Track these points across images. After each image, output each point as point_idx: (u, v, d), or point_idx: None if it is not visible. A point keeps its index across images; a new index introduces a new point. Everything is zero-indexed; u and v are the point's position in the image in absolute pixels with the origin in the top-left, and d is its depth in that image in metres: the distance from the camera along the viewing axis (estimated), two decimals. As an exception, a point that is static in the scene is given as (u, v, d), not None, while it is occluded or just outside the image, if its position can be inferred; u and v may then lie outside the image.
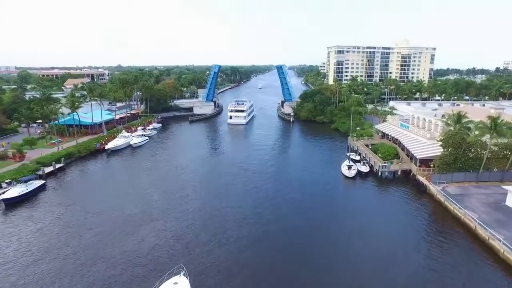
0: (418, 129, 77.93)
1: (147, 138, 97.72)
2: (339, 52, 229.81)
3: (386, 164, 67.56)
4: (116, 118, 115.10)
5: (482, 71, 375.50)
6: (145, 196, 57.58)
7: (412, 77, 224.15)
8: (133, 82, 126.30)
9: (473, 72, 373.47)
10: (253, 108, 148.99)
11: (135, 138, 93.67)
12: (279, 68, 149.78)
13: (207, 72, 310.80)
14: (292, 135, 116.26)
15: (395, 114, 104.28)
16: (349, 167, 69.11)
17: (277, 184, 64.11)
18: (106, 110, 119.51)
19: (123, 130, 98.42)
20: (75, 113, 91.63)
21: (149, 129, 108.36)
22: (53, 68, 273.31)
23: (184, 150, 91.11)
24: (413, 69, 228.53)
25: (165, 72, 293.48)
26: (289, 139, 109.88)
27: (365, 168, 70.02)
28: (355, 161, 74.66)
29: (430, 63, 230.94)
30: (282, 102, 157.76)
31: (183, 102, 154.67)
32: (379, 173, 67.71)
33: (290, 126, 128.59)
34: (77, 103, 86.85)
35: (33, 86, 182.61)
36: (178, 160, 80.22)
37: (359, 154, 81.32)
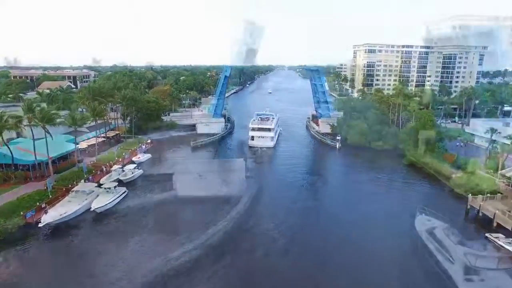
0: None
1: (125, 190, 57.45)
2: (370, 51, 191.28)
3: None
4: (82, 146, 76.29)
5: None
6: None
7: (457, 82, 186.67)
8: (109, 92, 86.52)
9: (504, 74, 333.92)
10: (279, 123, 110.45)
11: (103, 193, 53.93)
12: (314, 72, 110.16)
13: (208, 73, 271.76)
14: (347, 174, 77.58)
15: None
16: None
17: None
18: (67, 134, 79.64)
19: (83, 180, 58.28)
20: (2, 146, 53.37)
21: (130, 169, 66.27)
22: (28, 68, 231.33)
23: (184, 221, 50.85)
24: (458, 72, 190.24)
25: (161, 73, 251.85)
26: (347, 184, 71.12)
27: None
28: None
29: (478, 65, 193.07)
30: (313, 116, 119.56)
31: (183, 117, 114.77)
32: None
33: (336, 154, 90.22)
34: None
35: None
36: (171, 253, 41.11)
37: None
